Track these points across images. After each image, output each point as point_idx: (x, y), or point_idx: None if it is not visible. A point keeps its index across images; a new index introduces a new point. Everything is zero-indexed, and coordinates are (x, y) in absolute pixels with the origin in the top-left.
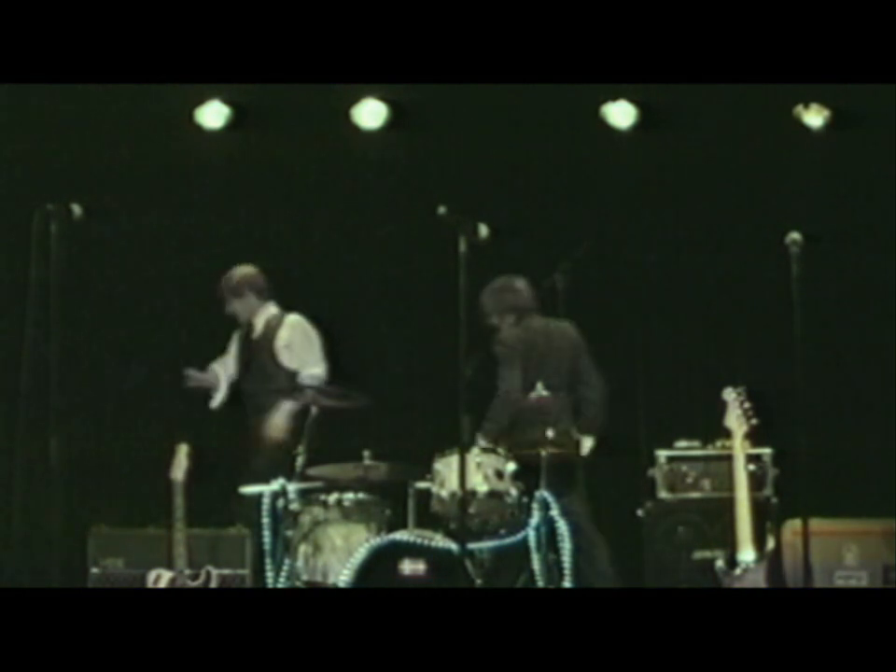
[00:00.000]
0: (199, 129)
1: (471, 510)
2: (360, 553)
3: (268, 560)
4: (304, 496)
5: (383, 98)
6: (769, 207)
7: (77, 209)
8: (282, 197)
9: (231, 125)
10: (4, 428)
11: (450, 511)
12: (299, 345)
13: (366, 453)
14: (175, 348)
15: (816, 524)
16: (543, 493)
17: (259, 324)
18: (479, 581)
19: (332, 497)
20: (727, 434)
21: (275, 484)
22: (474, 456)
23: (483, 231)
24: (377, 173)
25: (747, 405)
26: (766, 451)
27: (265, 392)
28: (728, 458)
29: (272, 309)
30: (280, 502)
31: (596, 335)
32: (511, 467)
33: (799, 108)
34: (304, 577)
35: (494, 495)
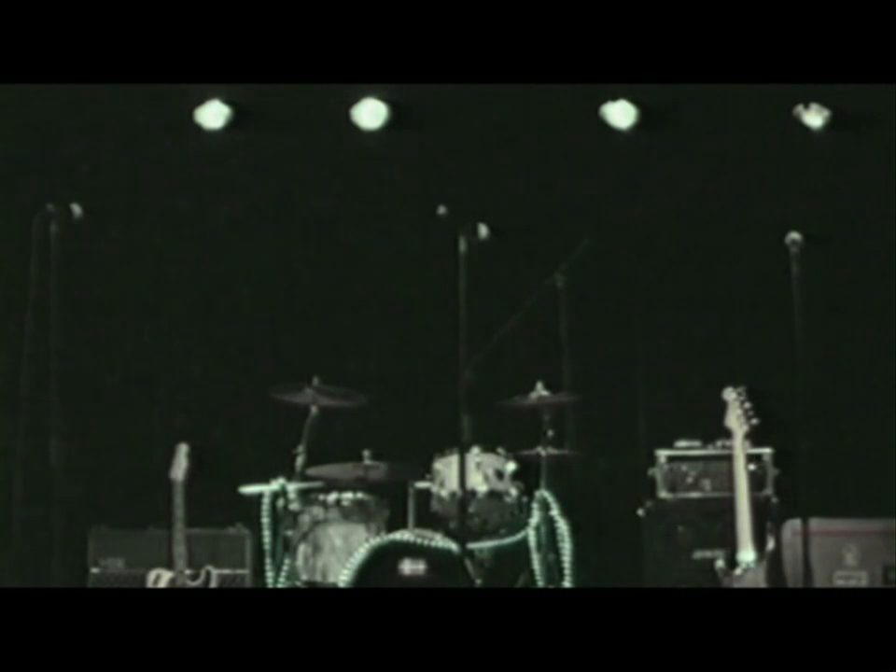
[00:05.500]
0: (199, 129)
1: (471, 510)
2: (360, 553)
3: (268, 560)
4: (304, 495)
5: (383, 98)
6: (769, 207)
7: (76, 209)
8: (282, 197)
9: (231, 125)
10: (4, 428)
11: (450, 510)
12: None
13: (366, 453)
14: (175, 348)
15: (816, 524)
16: (543, 493)
17: None
18: (479, 581)
19: (332, 497)
20: (727, 434)
21: (275, 484)
22: (474, 456)
23: (483, 231)
24: (377, 173)
25: (747, 405)
26: (766, 451)
27: None
28: (728, 458)
29: None
30: (280, 502)
31: (597, 335)
32: (510, 467)
33: (799, 108)
34: (304, 577)
35: (494, 495)
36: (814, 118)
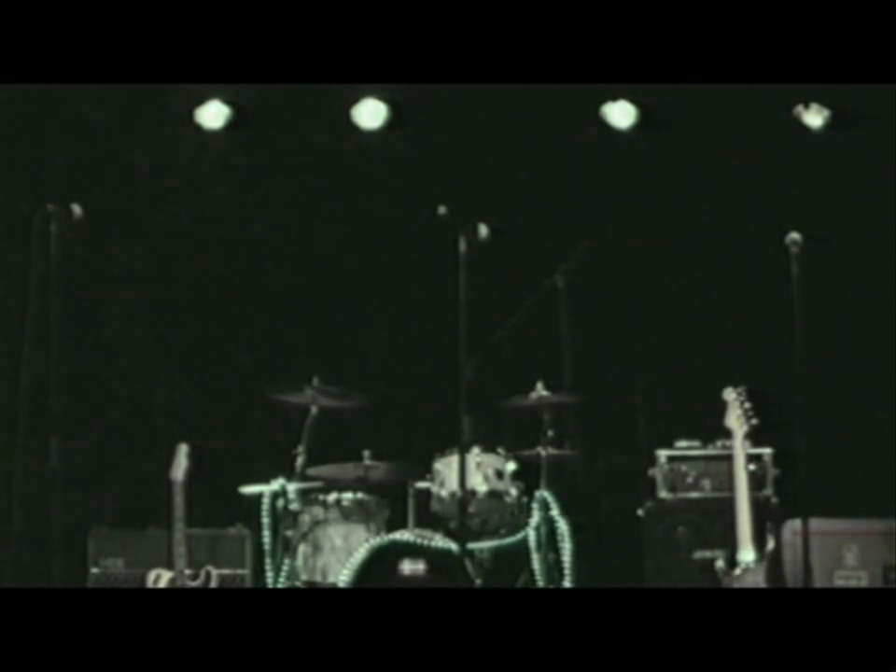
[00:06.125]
0: (199, 129)
1: (471, 510)
2: (360, 553)
3: (268, 560)
4: (304, 495)
5: (383, 98)
6: (769, 207)
7: (76, 209)
8: (282, 197)
9: (231, 125)
10: (4, 428)
11: (450, 511)
12: None
13: (366, 453)
14: (175, 347)
15: (816, 524)
16: (543, 493)
17: None
18: (479, 581)
19: (332, 497)
20: (727, 434)
21: (275, 484)
22: (474, 456)
23: (483, 231)
24: (377, 173)
25: (747, 405)
26: (766, 451)
27: None
28: (728, 458)
29: None
30: (280, 502)
31: (596, 335)
32: (511, 467)
33: (799, 108)
34: (304, 577)
35: (494, 495)
36: (814, 118)
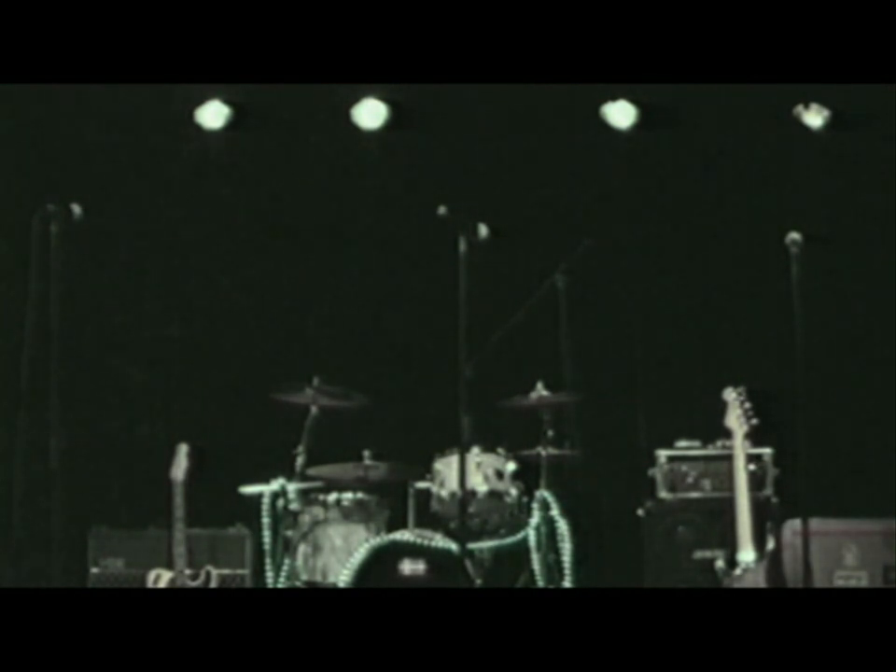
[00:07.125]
0: (199, 129)
1: (471, 510)
2: (360, 553)
3: (268, 560)
4: (304, 495)
5: (383, 98)
6: (769, 207)
7: (76, 209)
8: (282, 197)
9: (231, 125)
10: (4, 428)
11: (450, 511)
12: None
13: (366, 453)
14: (174, 347)
15: (816, 524)
16: (543, 493)
17: None
18: (479, 581)
19: (332, 497)
20: (727, 434)
21: (275, 484)
22: (474, 456)
23: (483, 231)
24: (377, 173)
25: (747, 405)
26: (766, 451)
27: None
28: (728, 458)
29: None
30: (280, 502)
31: (596, 335)
32: (511, 467)
33: (799, 108)
34: (304, 577)
35: (494, 495)
36: (814, 118)
